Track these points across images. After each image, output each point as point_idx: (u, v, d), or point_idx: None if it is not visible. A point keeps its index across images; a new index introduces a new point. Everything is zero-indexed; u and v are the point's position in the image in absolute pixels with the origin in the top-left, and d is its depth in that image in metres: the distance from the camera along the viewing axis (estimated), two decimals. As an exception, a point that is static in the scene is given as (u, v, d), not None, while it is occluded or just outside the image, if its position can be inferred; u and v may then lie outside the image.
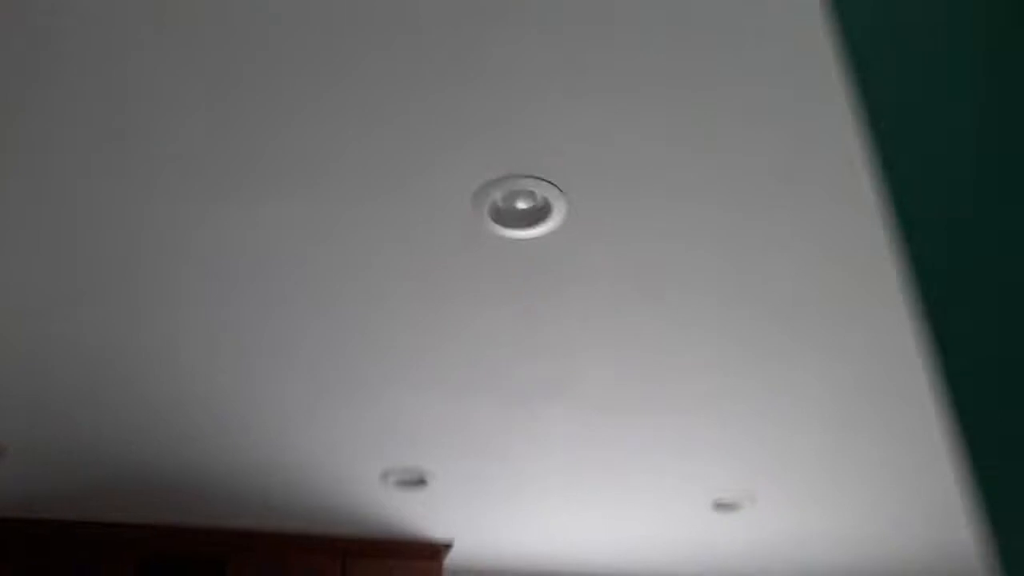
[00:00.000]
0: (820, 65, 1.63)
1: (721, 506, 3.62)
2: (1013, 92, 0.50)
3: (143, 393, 2.72)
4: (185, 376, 2.62)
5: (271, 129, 1.76)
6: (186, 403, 2.78)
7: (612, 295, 2.27)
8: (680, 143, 1.81)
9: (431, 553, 4.03)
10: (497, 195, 1.92)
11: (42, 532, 3.66)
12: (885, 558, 4.25)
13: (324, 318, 2.35)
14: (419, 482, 3.39)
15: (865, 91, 0.64)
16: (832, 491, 3.49)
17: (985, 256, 0.50)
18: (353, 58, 1.61)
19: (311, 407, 2.81)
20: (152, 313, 2.31)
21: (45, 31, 1.53)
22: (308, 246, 2.08)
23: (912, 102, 0.59)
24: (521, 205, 1.97)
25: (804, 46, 1.59)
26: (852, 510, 3.68)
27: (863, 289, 2.25)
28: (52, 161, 1.81)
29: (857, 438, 3.06)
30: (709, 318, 2.37)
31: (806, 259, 2.14)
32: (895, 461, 3.23)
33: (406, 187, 1.91)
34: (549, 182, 1.89)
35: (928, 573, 4.48)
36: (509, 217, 1.99)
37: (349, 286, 2.22)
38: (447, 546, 4.03)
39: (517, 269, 2.17)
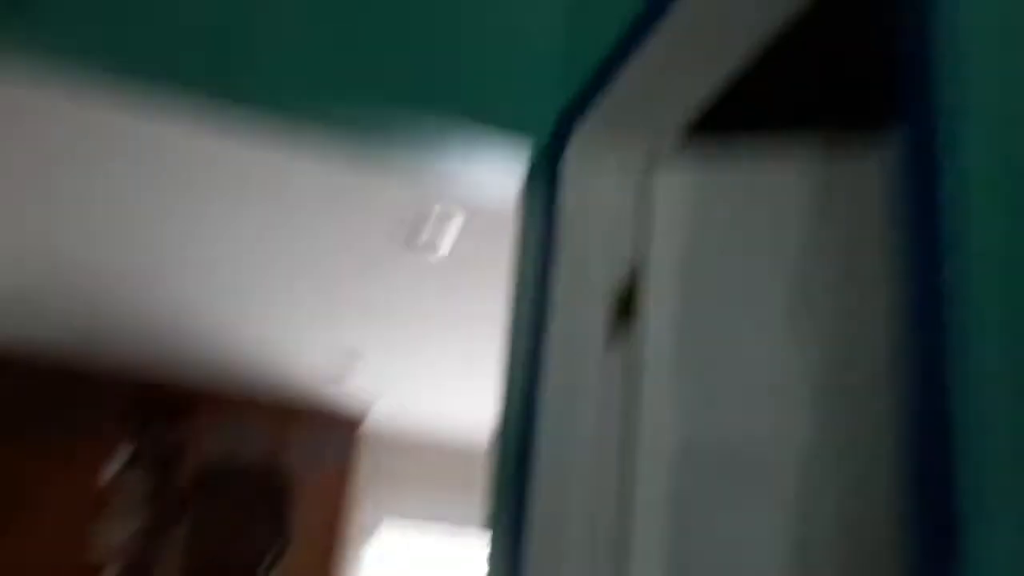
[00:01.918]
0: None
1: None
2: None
3: (154, 295, 3.64)
4: (188, 277, 3.54)
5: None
6: (174, 306, 3.72)
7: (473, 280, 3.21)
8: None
9: (351, 422, 5.11)
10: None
11: (61, 371, 4.63)
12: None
13: (288, 268, 3.26)
14: (347, 373, 4.40)
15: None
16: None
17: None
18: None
19: (274, 312, 3.76)
20: (177, 240, 3.21)
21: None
22: (289, 234, 2.97)
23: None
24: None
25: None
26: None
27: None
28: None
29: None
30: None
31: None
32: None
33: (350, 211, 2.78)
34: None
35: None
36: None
37: (303, 251, 3.12)
38: (363, 416, 5.11)
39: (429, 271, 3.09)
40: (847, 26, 1.40)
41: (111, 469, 4.63)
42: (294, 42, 1.44)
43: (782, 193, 1.25)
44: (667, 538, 1.09)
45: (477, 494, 5.24)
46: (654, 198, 1.39)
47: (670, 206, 1.36)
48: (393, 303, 3.54)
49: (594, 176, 1.38)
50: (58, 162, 2.70)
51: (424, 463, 5.43)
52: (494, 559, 1.39)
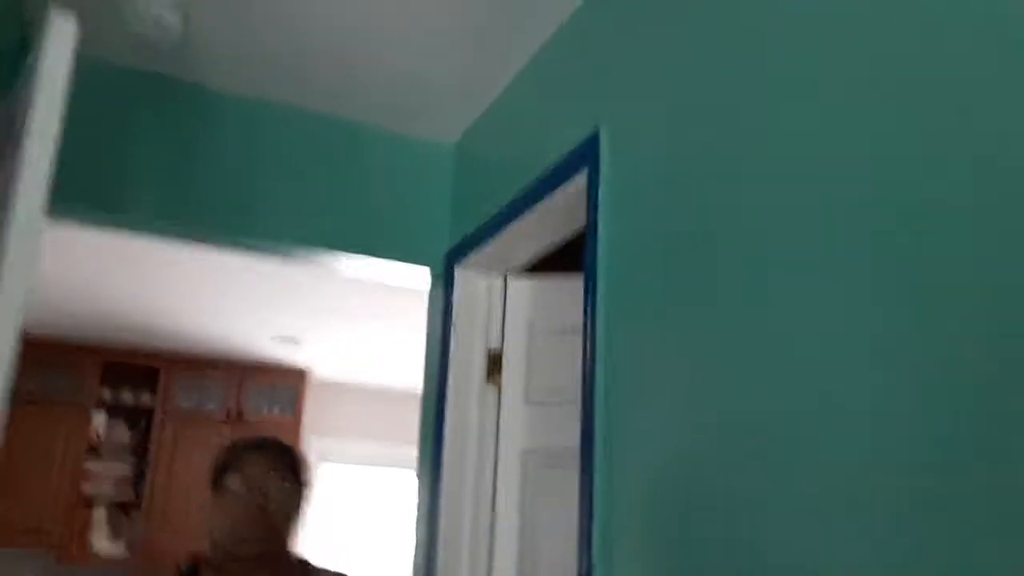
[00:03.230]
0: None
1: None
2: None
3: (142, 291, 4.66)
4: (165, 280, 4.58)
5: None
6: (152, 295, 4.75)
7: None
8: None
9: (299, 374, 6.25)
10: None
11: (44, 344, 5.59)
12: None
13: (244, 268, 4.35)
14: (295, 341, 5.52)
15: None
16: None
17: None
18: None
19: (237, 302, 4.84)
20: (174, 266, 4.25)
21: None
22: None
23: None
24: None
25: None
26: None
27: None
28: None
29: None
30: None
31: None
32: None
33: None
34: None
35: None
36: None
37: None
38: (307, 370, 6.26)
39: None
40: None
41: (96, 424, 5.68)
42: (274, 206, 2.57)
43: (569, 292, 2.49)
44: (515, 498, 2.36)
45: (404, 438, 6.53)
46: (508, 294, 2.60)
47: (517, 298, 2.58)
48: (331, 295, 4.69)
49: (473, 284, 2.59)
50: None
51: (358, 410, 6.66)
52: (420, 492, 2.62)
